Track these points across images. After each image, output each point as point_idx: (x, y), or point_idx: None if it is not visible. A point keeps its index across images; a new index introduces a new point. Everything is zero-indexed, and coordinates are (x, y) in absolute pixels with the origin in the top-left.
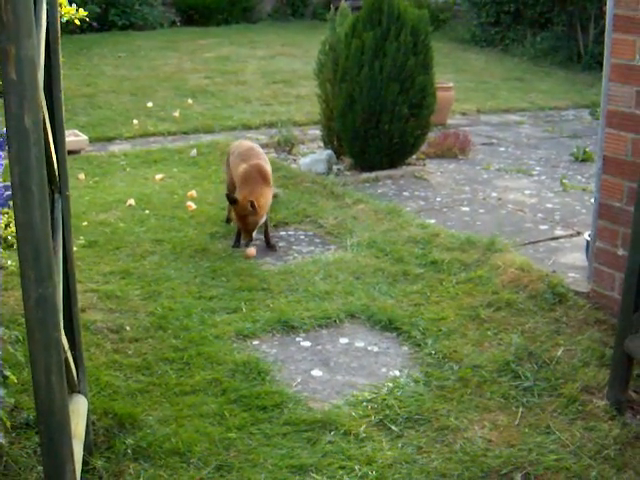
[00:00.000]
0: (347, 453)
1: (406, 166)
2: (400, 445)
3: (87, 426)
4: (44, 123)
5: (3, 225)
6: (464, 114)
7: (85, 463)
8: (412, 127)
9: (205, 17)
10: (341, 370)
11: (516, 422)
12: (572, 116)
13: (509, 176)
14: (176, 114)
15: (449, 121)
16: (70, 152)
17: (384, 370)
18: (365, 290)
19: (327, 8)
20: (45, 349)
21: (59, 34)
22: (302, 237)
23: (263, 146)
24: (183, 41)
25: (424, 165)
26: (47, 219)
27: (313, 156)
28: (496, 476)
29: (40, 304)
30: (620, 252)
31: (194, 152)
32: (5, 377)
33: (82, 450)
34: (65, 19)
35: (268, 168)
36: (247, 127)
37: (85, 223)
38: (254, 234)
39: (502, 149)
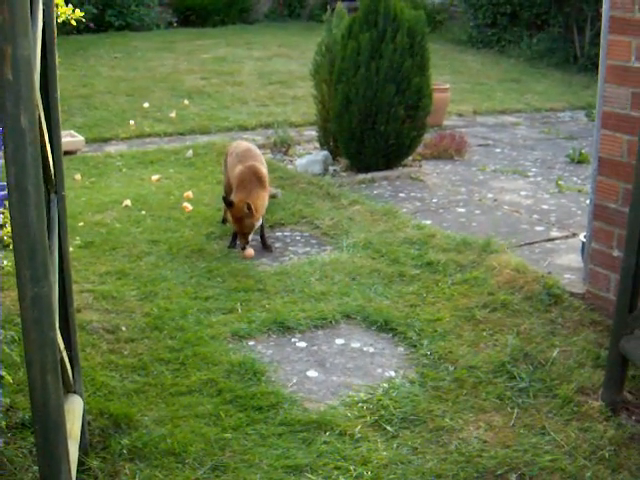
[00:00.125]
0: (342, 453)
1: (402, 167)
2: (395, 446)
3: (83, 426)
4: (40, 123)
5: None
6: (460, 115)
7: (81, 463)
8: (408, 128)
9: (202, 18)
10: (337, 371)
11: (511, 423)
12: (568, 117)
13: (505, 177)
14: (172, 115)
15: (445, 122)
16: (66, 153)
17: (380, 371)
18: (361, 291)
19: (324, 9)
20: (41, 349)
21: (55, 34)
22: (298, 238)
23: (259, 147)
24: (180, 42)
25: (420, 166)
26: (43, 219)
27: (309, 157)
28: (491, 477)
29: (36, 303)
30: (615, 253)
31: (190, 153)
32: (1, 377)
33: (77, 450)
34: (61, 19)
35: (264, 170)
36: (243, 128)
37: (81, 224)
38: (250, 236)
39: (498, 150)
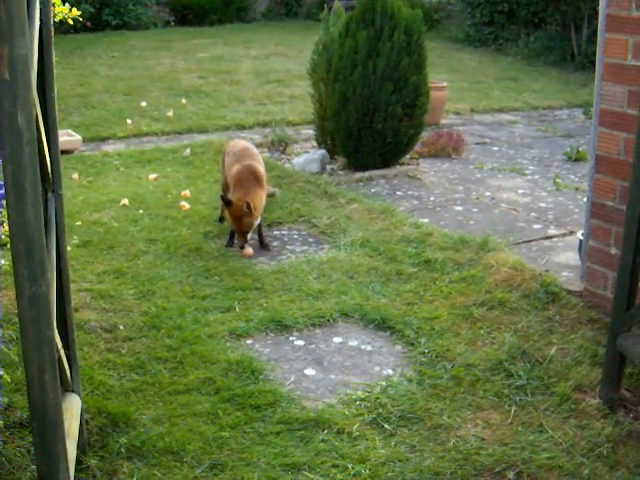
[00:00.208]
0: (340, 452)
1: (399, 166)
2: (393, 443)
3: (81, 425)
4: (37, 122)
5: None
6: (458, 114)
7: (79, 462)
8: (405, 127)
9: (199, 17)
10: (334, 369)
11: (509, 420)
12: (565, 115)
13: (502, 175)
14: (170, 114)
15: (443, 121)
16: (64, 152)
17: (377, 369)
18: (358, 289)
19: (321, 8)
20: (38, 348)
21: (52, 34)
22: (296, 237)
23: (257, 146)
24: (177, 41)
25: (417, 165)
26: (40, 218)
27: (307, 156)
28: (489, 474)
29: (33, 302)
30: (613, 251)
31: (188, 152)
32: None
33: (76, 449)
34: (58, 19)
35: (262, 169)
36: (241, 127)
37: (79, 223)
38: (249, 235)
39: (495, 148)
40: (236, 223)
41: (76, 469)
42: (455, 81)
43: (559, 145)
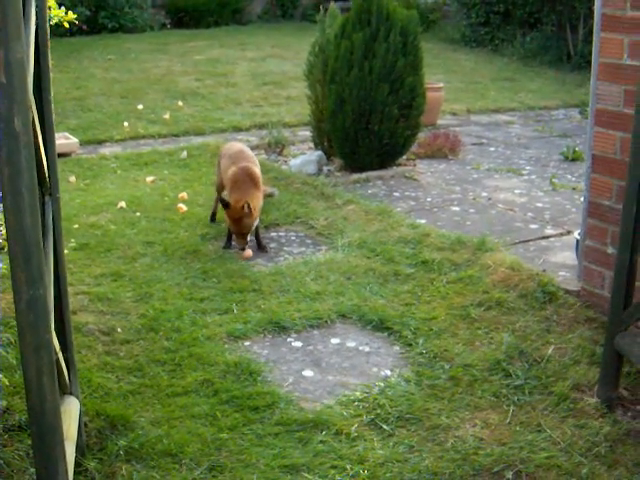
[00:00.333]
0: (339, 452)
1: (396, 166)
2: (392, 444)
3: (79, 428)
4: (34, 126)
5: None
6: (454, 114)
7: (77, 465)
8: (402, 128)
9: (195, 19)
10: (332, 370)
11: (507, 420)
12: (562, 115)
13: (499, 176)
14: (166, 116)
15: (439, 121)
16: (61, 155)
17: (375, 370)
18: (356, 290)
19: (317, 9)
20: (36, 351)
21: (48, 37)
22: (293, 238)
23: (254, 147)
24: (173, 43)
25: (414, 165)
26: (38, 221)
27: (303, 157)
28: (487, 474)
29: (31, 306)
30: (609, 250)
31: (185, 154)
32: None
33: (74, 452)
34: (54, 22)
35: (258, 171)
36: (237, 129)
37: (76, 226)
38: (249, 236)
39: (492, 149)
40: (236, 225)
41: (75, 472)
42: (451, 82)
43: (556, 145)
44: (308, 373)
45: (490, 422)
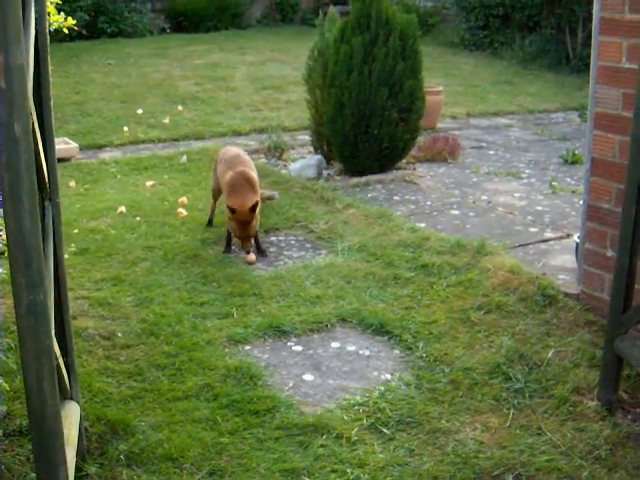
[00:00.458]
0: (339, 456)
1: (396, 170)
2: (392, 448)
3: (80, 432)
4: (34, 131)
5: None
6: (454, 118)
7: (78, 469)
8: (401, 131)
9: (194, 24)
10: (333, 374)
11: (507, 424)
12: (561, 118)
13: (499, 179)
14: (166, 121)
15: (439, 125)
16: (60, 160)
17: (375, 374)
18: (356, 294)
19: (316, 14)
20: (37, 356)
21: (48, 42)
22: (293, 242)
23: (253, 152)
24: (173, 48)
25: (414, 169)
26: (38, 226)
27: (303, 161)
28: (488, 478)
29: (31, 311)
30: (609, 253)
31: (184, 159)
32: None
33: (75, 456)
34: (54, 28)
35: (254, 175)
36: (237, 133)
37: (76, 230)
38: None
39: (492, 152)
40: (242, 229)
41: (75, 476)
42: (451, 85)
43: (555, 148)
44: (308, 377)
45: (490, 425)
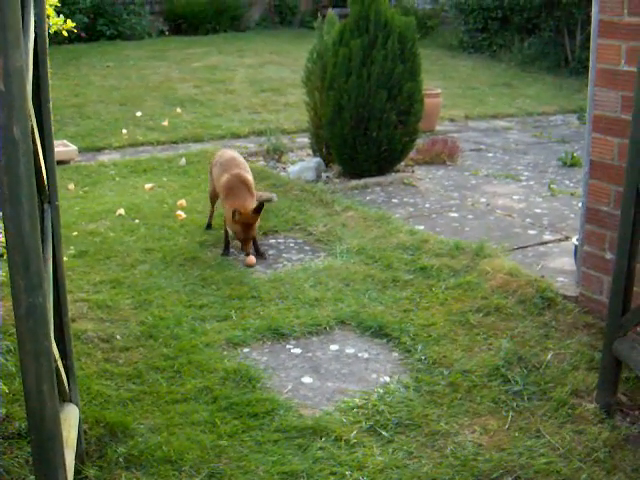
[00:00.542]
0: (338, 459)
1: (395, 173)
2: (391, 450)
3: (79, 435)
4: (33, 134)
5: None
6: (452, 120)
7: (77, 472)
8: (400, 134)
9: (193, 26)
10: (332, 377)
11: (506, 426)
12: (560, 121)
13: (497, 182)
14: (165, 123)
15: (437, 127)
16: (59, 162)
17: (374, 376)
18: (355, 297)
19: (315, 16)
20: (36, 358)
21: (47, 45)
22: (292, 245)
23: (252, 154)
24: (171, 50)
25: (413, 172)
26: (37, 229)
27: (302, 164)
28: None
29: (30, 313)
30: (608, 256)
31: (183, 161)
32: None
33: (74, 459)
34: (53, 30)
35: (250, 177)
36: (236, 136)
37: (75, 233)
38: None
39: (490, 155)
40: (246, 231)
41: (75, 479)
42: (449, 88)
43: (554, 151)
44: (307, 380)
45: (489, 428)
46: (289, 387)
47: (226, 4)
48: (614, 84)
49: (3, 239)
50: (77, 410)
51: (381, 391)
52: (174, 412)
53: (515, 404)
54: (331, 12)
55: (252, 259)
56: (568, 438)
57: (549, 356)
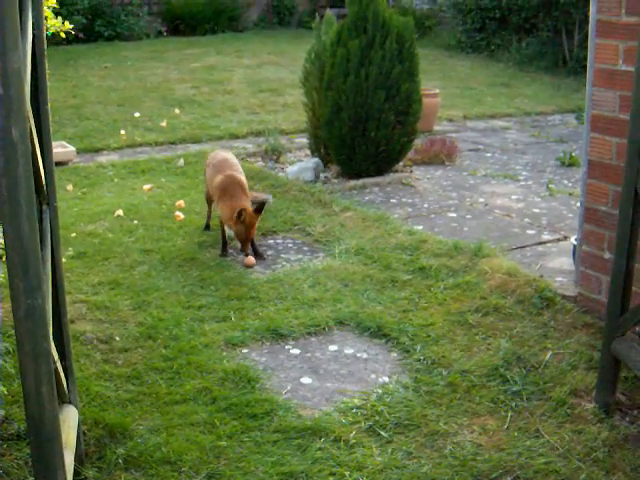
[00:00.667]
0: (337, 459)
1: (393, 173)
2: (390, 451)
3: (78, 436)
4: (31, 135)
5: None
6: (450, 120)
7: (76, 473)
8: (398, 134)
9: (191, 27)
10: (330, 377)
11: (505, 426)
12: (558, 121)
13: (496, 181)
14: (163, 124)
15: (435, 127)
16: (58, 163)
17: (373, 376)
18: (354, 297)
19: (313, 17)
20: (35, 360)
21: (45, 46)
22: (290, 245)
23: (250, 155)
24: (169, 51)
25: (411, 172)
26: (35, 230)
27: (300, 164)
28: None
29: (29, 315)
30: (606, 255)
31: (182, 162)
32: None
33: (73, 460)
34: (51, 32)
35: (243, 178)
36: (234, 136)
37: (74, 234)
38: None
39: (489, 155)
40: (247, 231)
41: None
42: (447, 88)
43: (552, 150)
44: (306, 380)
45: (488, 428)
46: (288, 388)
47: (224, 5)
48: (612, 84)
49: (2, 241)
50: (76, 411)
51: (380, 391)
52: (173, 413)
53: (514, 404)
54: (329, 12)
55: (251, 259)
56: (567, 438)
57: (548, 356)
